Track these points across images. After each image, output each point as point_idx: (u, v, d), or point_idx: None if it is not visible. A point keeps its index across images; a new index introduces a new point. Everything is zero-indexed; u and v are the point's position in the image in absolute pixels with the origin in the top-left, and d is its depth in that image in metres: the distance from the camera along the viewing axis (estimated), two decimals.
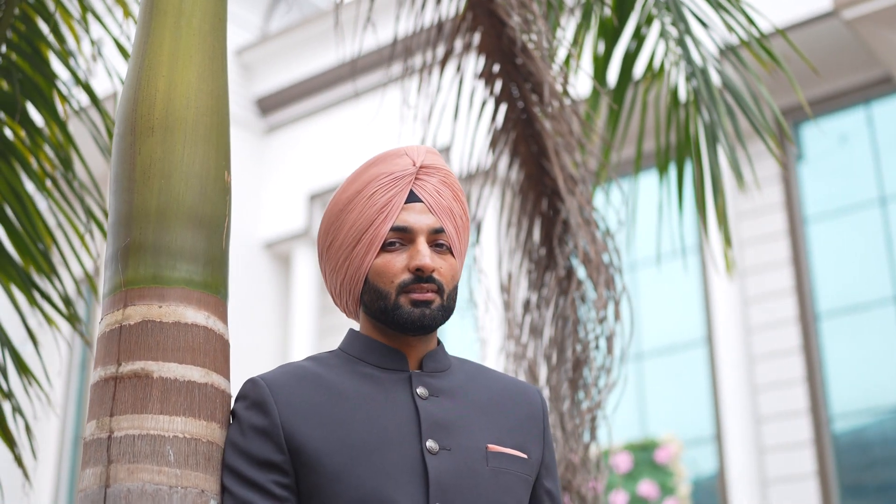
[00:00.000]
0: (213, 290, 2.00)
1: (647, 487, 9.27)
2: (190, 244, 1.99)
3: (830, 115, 9.79)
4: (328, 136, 12.09)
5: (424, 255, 1.90)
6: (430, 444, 1.86)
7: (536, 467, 1.99)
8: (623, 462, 9.41)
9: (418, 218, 1.93)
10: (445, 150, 3.83)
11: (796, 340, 9.29)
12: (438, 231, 1.94)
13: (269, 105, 12.76)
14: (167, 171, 2.01)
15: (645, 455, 9.39)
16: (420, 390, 1.93)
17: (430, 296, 1.90)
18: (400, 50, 3.63)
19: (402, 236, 1.92)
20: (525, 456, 1.96)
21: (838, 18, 8.88)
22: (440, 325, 1.93)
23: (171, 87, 2.07)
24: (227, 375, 1.99)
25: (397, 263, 1.91)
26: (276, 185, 12.47)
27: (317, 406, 1.88)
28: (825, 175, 9.79)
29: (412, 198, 1.94)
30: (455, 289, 1.96)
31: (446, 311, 1.93)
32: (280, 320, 12.40)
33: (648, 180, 5.61)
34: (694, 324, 9.98)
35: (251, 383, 1.92)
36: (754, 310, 9.55)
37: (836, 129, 9.83)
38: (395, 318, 1.91)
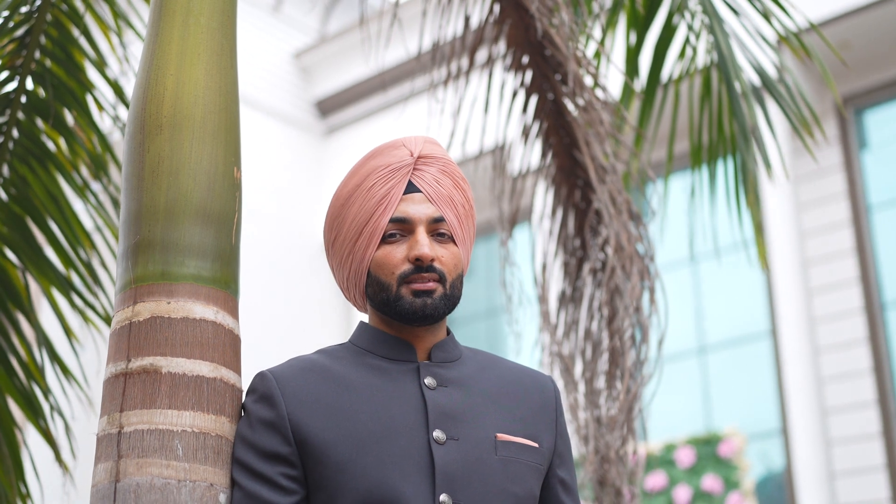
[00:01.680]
0: (223, 285, 2.01)
1: (710, 482, 9.17)
2: (198, 240, 2.00)
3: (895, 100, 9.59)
4: (388, 136, 12.08)
5: (423, 244, 1.89)
6: (437, 434, 1.86)
7: (548, 456, 1.98)
8: (686, 456, 9.31)
9: (417, 208, 1.92)
10: (496, 150, 3.79)
11: (862, 331, 9.13)
12: (438, 220, 1.93)
13: (328, 107, 12.82)
14: (175, 169, 2.03)
15: (708, 449, 9.28)
16: (428, 380, 1.92)
17: (431, 285, 1.89)
18: (439, 51, 3.64)
19: (402, 227, 1.92)
20: (536, 445, 1.94)
21: None
22: (444, 314, 1.93)
23: (179, 86, 2.08)
24: (237, 370, 2.00)
25: (397, 254, 1.91)
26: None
27: (324, 398, 1.88)
28: (889, 162, 9.60)
29: (411, 188, 1.94)
30: (459, 277, 1.95)
31: (449, 300, 1.92)
32: (341, 321, 12.46)
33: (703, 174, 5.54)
34: (758, 316, 9.85)
35: (259, 377, 1.93)
36: (819, 301, 9.40)
37: None
38: (398, 308, 1.90)
